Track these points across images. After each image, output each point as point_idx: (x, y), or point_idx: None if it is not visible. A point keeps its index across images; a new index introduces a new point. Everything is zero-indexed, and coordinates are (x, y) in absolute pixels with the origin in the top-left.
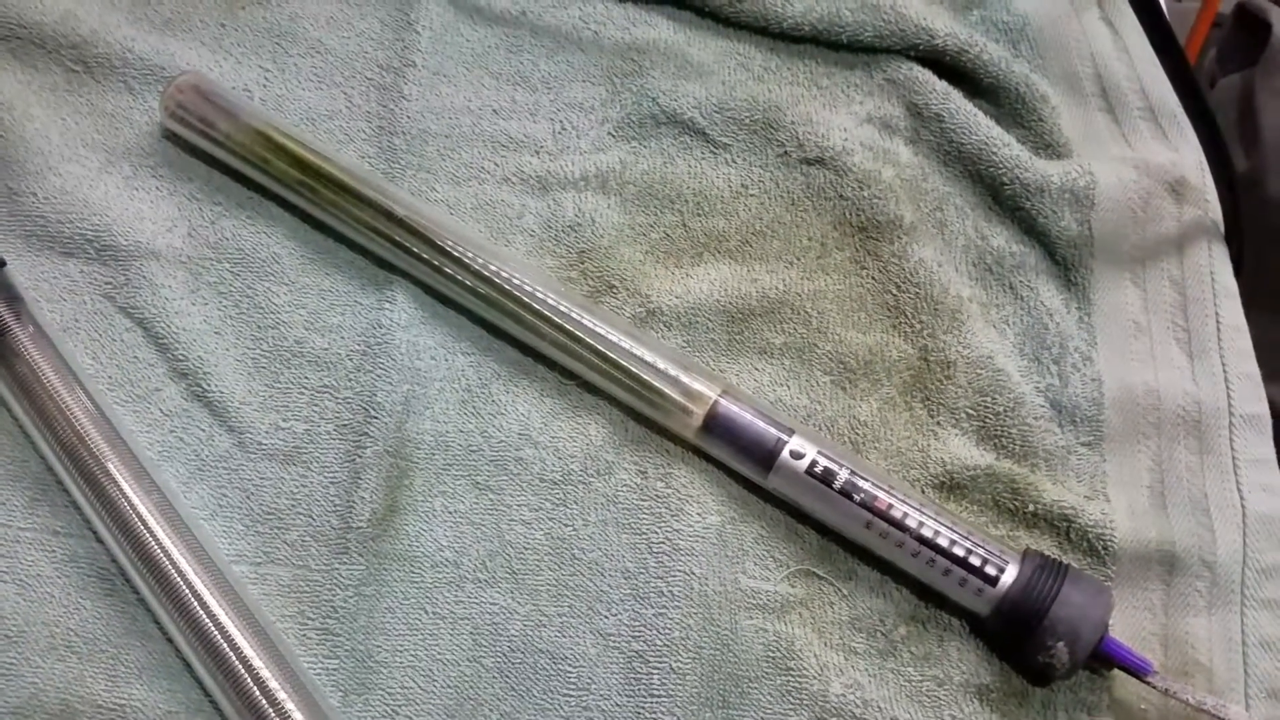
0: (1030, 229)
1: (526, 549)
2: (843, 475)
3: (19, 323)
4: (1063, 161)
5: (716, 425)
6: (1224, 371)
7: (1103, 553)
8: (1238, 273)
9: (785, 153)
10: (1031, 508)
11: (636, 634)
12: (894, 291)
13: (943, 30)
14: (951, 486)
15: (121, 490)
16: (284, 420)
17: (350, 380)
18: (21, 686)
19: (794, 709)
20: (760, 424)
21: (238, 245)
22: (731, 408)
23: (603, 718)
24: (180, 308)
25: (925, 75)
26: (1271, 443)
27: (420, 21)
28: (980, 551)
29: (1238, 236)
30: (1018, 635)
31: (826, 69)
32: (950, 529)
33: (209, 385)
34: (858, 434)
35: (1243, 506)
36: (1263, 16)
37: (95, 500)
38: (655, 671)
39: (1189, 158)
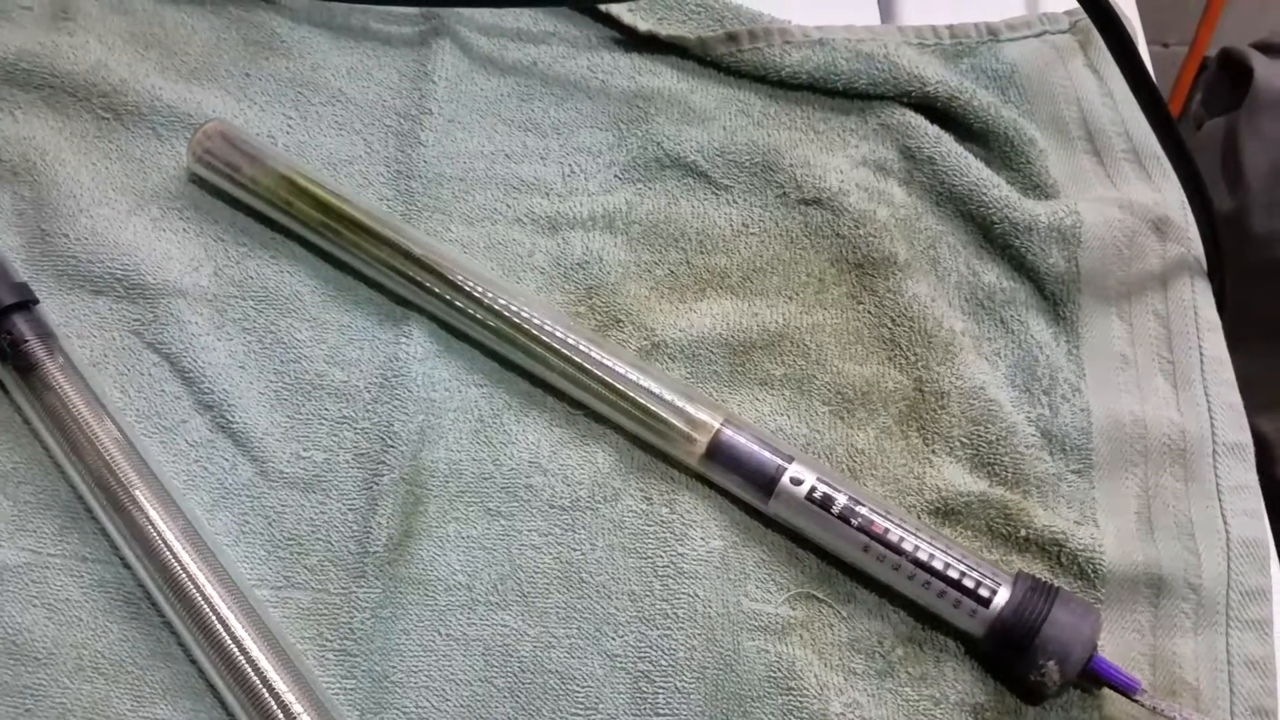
0: (1020, 266)
1: (536, 573)
2: (841, 501)
3: (51, 358)
4: (1050, 202)
5: (719, 453)
6: (1208, 402)
7: (1092, 576)
8: (1220, 308)
9: (784, 193)
10: (1023, 533)
11: (642, 655)
12: (889, 325)
13: (934, 78)
14: (946, 512)
15: (148, 518)
16: (304, 450)
17: (368, 411)
18: (50, 706)
19: None
20: (761, 452)
21: (261, 284)
22: (733, 436)
23: None
24: (206, 343)
25: (918, 120)
26: (1254, 470)
27: (437, 72)
28: (974, 574)
29: (1220, 272)
30: (1010, 655)
31: (823, 114)
32: (945, 553)
33: (233, 417)
34: (855, 462)
35: (1226, 531)
36: (1245, 61)
37: (123, 527)
38: (660, 691)
39: (1172, 197)
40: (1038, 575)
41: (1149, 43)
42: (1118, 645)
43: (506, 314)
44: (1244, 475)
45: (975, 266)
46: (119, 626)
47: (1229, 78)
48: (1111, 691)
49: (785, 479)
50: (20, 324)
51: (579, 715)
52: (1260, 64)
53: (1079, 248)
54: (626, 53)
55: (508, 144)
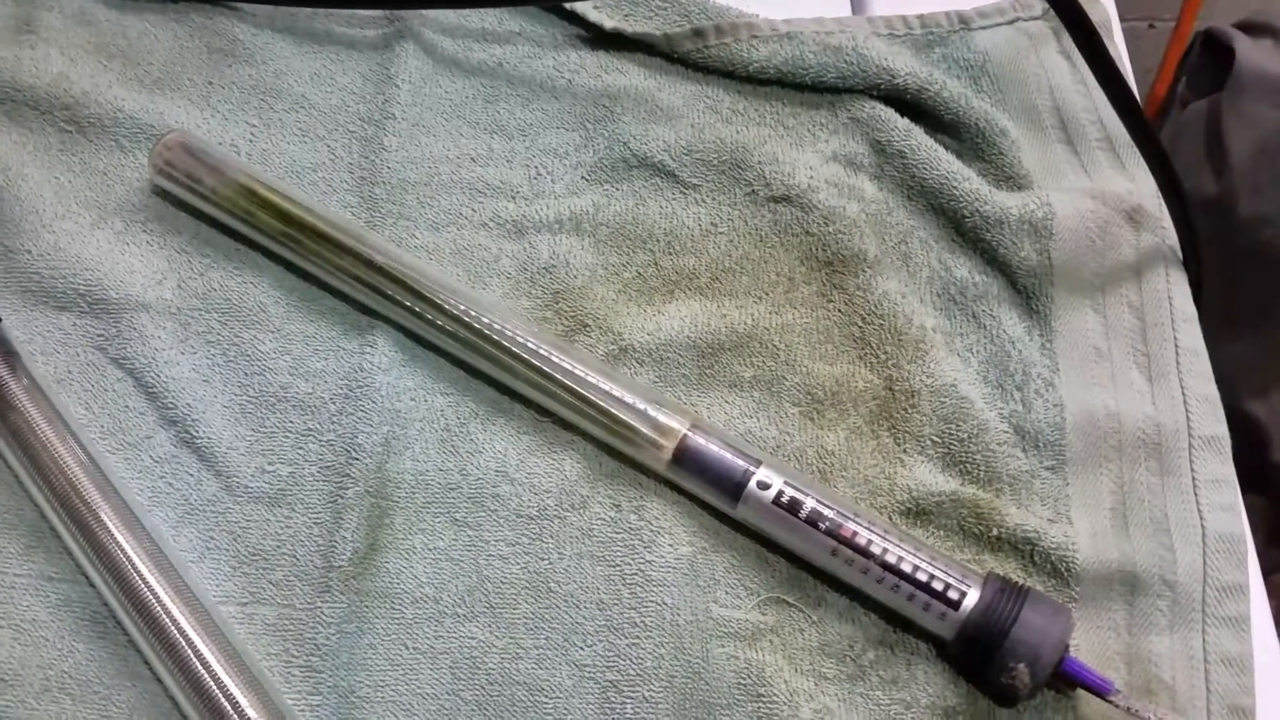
0: (992, 260)
1: (504, 583)
2: (809, 504)
3: (14, 376)
4: (1022, 193)
5: (686, 458)
6: (1183, 394)
7: (1066, 574)
8: (1197, 298)
9: (753, 191)
10: (996, 532)
11: (611, 664)
12: (859, 324)
13: (903, 70)
14: (918, 513)
15: (113, 536)
16: (269, 464)
17: (333, 423)
18: None
19: None
20: (728, 456)
21: (225, 296)
22: (700, 441)
23: None
24: (170, 357)
25: (888, 113)
26: (1231, 463)
27: (400, 75)
28: (943, 577)
29: (1196, 262)
30: (980, 658)
31: (792, 109)
32: (914, 555)
33: (197, 432)
34: (826, 463)
35: (1203, 526)
36: (1227, 42)
37: (88, 546)
38: (629, 701)
39: (1146, 186)
40: (1010, 575)
41: (1136, 20)
42: (1093, 644)
43: (472, 321)
44: (1220, 469)
45: (947, 261)
46: (85, 646)
47: (1212, 58)
48: (1086, 693)
49: (753, 483)
50: None
51: None
52: (1243, 44)
53: (1051, 240)
54: (592, 51)
55: (473, 147)
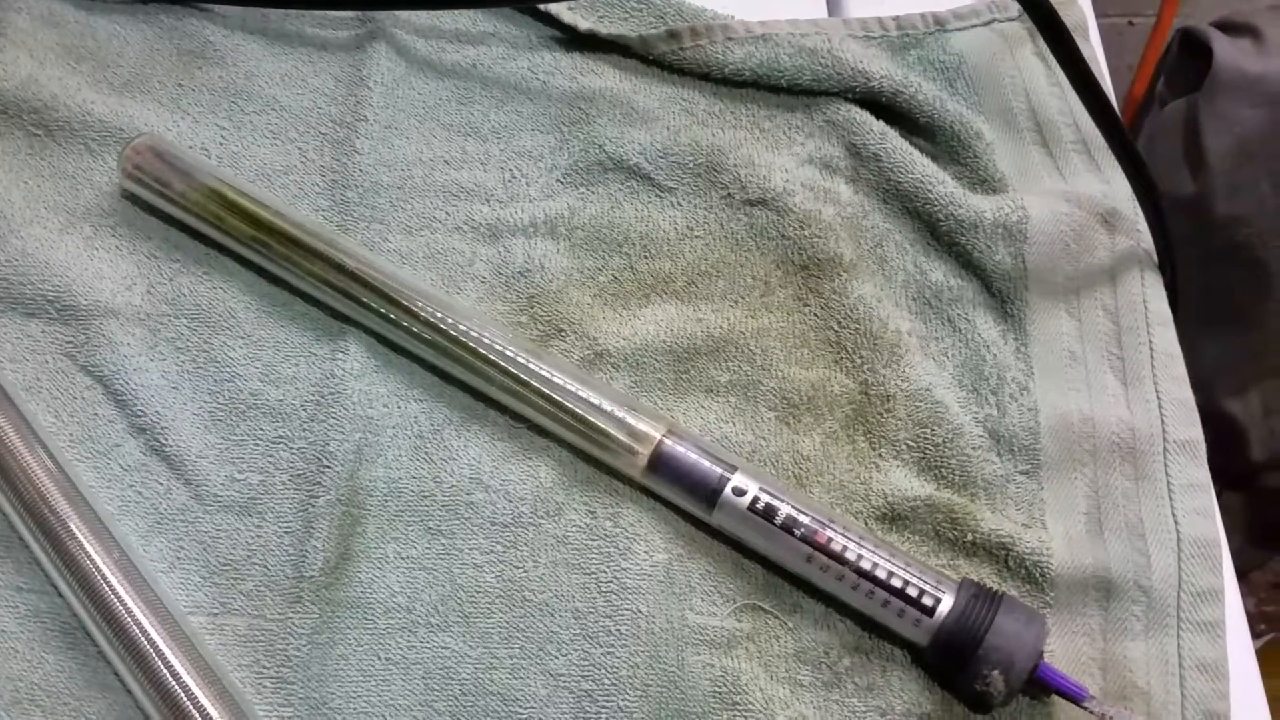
0: (967, 263)
1: (478, 592)
2: (784, 511)
3: None
4: (996, 197)
5: (662, 464)
6: (1158, 398)
7: (1040, 580)
8: (1172, 301)
9: (729, 194)
10: (970, 537)
11: (585, 674)
12: (835, 328)
13: (878, 73)
14: (893, 518)
15: (82, 546)
16: (239, 472)
17: (304, 430)
18: None
19: None
20: (704, 462)
21: (195, 301)
22: (676, 447)
23: None
24: (139, 364)
25: (863, 116)
26: (1205, 467)
27: (372, 77)
28: (917, 583)
29: (1171, 265)
30: (955, 664)
31: (768, 112)
32: (889, 561)
33: (167, 440)
34: (801, 468)
35: (1177, 531)
36: (1205, 41)
37: (56, 556)
38: (604, 711)
39: (1121, 188)
40: (985, 580)
41: (1116, 16)
42: (1068, 649)
43: (445, 327)
44: (1195, 473)
45: (922, 264)
46: (55, 657)
47: (1190, 57)
48: (1061, 699)
49: (728, 490)
50: None
51: None
52: (1220, 44)
53: (1025, 244)
54: (568, 52)
55: (446, 149)
